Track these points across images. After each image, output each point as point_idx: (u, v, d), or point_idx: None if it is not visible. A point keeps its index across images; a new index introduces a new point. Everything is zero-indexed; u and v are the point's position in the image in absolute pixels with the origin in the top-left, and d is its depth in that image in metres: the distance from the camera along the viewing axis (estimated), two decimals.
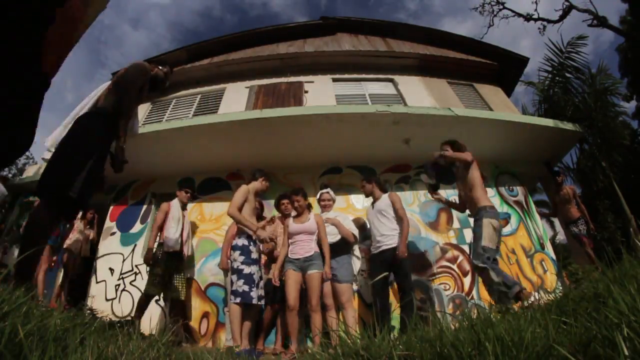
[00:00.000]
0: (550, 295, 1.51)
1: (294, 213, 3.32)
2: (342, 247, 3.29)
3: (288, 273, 3.02)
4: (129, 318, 3.71)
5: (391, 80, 6.87)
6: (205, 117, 4.91)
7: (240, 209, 2.95)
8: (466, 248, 4.73)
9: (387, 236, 3.31)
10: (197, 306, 4.28)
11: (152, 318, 3.87)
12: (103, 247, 4.95)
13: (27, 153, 17.36)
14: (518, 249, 4.85)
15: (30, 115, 1.05)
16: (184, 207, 4.09)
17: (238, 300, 2.75)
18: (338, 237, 3.29)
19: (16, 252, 5.23)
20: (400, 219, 3.37)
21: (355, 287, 3.37)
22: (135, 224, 5.07)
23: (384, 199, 3.51)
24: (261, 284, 2.99)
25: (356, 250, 3.48)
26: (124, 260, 4.76)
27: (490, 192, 5.31)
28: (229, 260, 3.09)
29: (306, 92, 6.37)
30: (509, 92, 7.46)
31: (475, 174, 3.00)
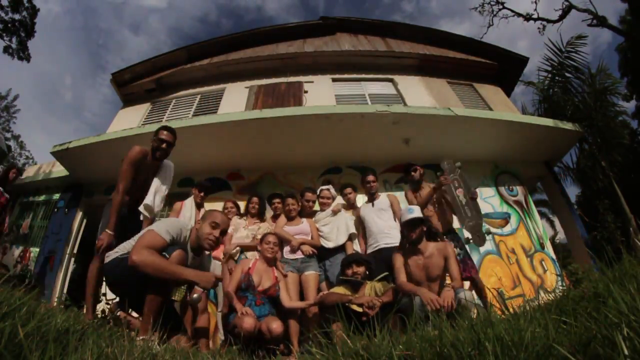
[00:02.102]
0: (550, 295, 1.51)
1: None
2: (337, 247, 3.26)
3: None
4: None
5: (391, 80, 6.87)
6: (205, 117, 4.89)
7: None
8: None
9: (386, 235, 3.25)
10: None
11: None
12: None
13: (26, 153, 17.35)
14: (518, 249, 4.85)
15: None
16: (199, 206, 3.76)
17: None
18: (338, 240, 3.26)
19: (16, 252, 5.23)
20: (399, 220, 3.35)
21: None
22: None
23: (384, 199, 3.49)
24: None
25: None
26: None
27: (490, 191, 5.32)
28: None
29: (306, 92, 6.37)
30: (508, 92, 7.45)
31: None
